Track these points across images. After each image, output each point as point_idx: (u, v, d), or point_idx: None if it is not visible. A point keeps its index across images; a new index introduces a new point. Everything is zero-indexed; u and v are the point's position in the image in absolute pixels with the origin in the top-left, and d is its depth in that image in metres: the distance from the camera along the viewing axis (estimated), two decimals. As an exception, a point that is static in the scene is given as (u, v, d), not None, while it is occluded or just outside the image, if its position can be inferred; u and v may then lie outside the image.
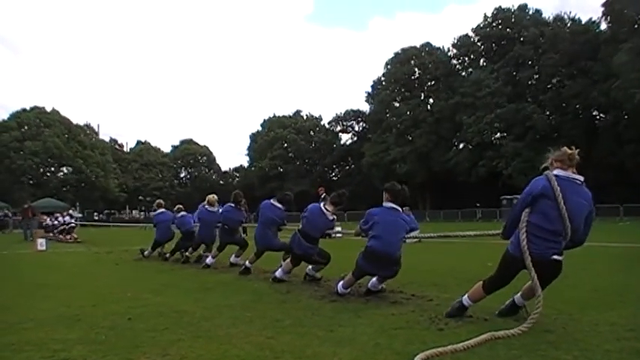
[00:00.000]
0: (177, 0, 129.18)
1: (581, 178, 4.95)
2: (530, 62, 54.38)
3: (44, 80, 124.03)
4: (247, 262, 9.88)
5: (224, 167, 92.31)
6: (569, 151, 4.97)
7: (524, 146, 49.60)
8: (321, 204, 8.51)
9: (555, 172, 4.96)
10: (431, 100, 63.12)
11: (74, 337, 4.87)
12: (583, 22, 52.72)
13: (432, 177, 60.90)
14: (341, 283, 7.19)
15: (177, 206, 14.03)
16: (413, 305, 6.20)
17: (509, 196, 41.89)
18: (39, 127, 65.82)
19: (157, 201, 14.90)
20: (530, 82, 54.26)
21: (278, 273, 8.45)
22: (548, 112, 52.32)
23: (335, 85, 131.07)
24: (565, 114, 50.53)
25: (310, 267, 8.57)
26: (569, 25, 53.85)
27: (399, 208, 6.87)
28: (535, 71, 54.09)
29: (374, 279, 7.03)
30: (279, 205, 9.60)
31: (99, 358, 4.25)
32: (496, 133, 55.16)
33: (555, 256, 4.90)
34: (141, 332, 5.03)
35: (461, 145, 58.07)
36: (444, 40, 61.66)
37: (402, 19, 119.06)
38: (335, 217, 8.42)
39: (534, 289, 4.84)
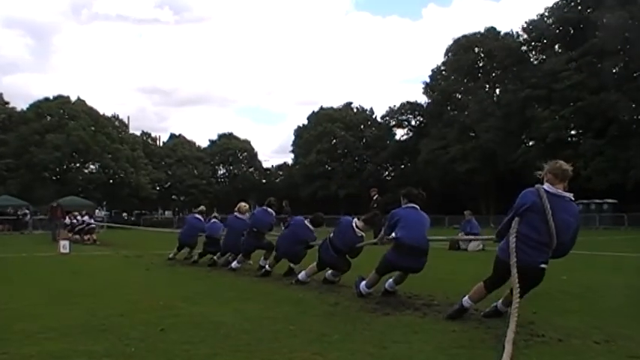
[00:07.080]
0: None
1: (571, 195, 5.75)
2: (615, 50, 52.13)
3: (68, 68, 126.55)
4: (267, 266, 10.94)
5: (266, 164, 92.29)
6: (565, 167, 5.76)
7: (606, 143, 47.80)
8: (353, 221, 9.27)
9: (545, 186, 5.74)
10: (498, 92, 62.18)
11: (100, 349, 4.92)
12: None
13: (497, 177, 59.70)
14: (364, 282, 7.86)
15: (213, 215, 15.13)
16: (476, 321, 6.11)
17: (585, 201, 40.94)
18: (62, 118, 65.69)
19: (201, 207, 16.07)
20: (614, 72, 52.34)
21: (301, 276, 9.43)
22: (634, 105, 50.57)
23: (388, 76, 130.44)
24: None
25: (330, 272, 9.34)
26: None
27: (418, 207, 7.80)
28: (621, 59, 51.89)
29: (390, 280, 7.77)
30: (312, 227, 10.52)
31: (127, 373, 4.29)
32: (573, 130, 53.88)
33: (543, 265, 5.70)
34: (174, 345, 5.07)
35: (531, 143, 56.75)
36: (505, 28, 60.63)
37: (459, 6, 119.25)
38: (364, 234, 9.26)
39: (513, 288, 5.49)
